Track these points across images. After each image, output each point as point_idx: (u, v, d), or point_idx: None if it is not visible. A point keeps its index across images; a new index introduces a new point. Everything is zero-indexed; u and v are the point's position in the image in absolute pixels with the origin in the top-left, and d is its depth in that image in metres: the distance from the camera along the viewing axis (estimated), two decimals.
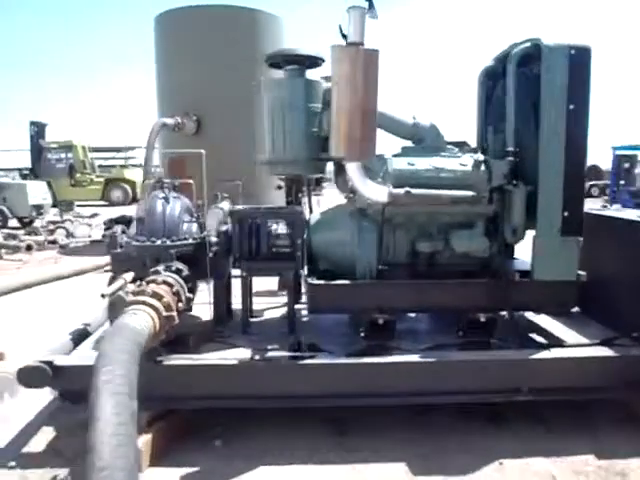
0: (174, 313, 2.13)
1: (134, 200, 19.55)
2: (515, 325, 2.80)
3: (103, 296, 2.13)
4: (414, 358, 2.51)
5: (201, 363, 2.46)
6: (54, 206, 12.14)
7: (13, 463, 2.38)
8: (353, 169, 2.57)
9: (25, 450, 2.51)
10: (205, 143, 9.18)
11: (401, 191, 2.56)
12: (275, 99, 2.84)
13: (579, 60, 2.56)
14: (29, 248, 7.80)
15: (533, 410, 2.74)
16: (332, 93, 2.51)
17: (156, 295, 2.16)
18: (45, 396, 2.98)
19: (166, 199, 2.81)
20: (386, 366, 2.47)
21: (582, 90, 2.59)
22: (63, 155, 18.96)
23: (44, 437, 2.62)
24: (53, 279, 6.24)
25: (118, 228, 2.83)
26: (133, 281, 2.40)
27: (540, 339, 2.85)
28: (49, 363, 2.39)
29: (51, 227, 9.55)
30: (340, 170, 3.16)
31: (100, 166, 22.21)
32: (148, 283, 2.33)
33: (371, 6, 2.51)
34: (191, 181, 2.92)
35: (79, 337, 2.84)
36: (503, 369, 2.55)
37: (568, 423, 2.70)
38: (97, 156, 23.15)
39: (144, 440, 2.33)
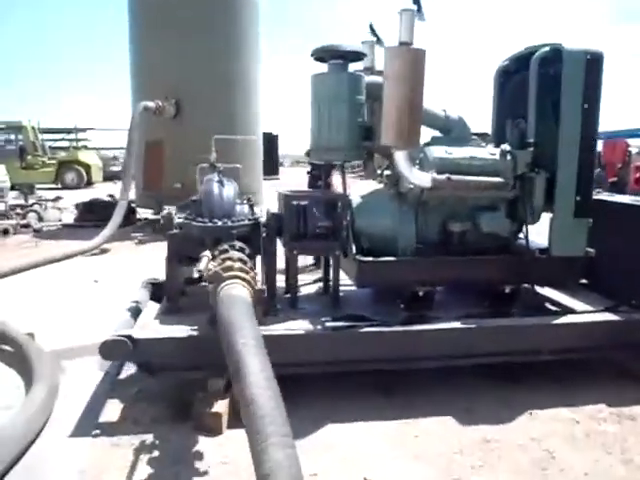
0: (263, 287, 2.34)
1: (89, 183, 18.99)
2: (533, 296, 3.19)
3: (199, 271, 2.31)
4: (457, 325, 2.85)
5: (271, 334, 2.67)
6: (12, 189, 11.72)
7: (98, 431, 2.53)
8: (400, 157, 2.85)
9: (102, 420, 2.65)
10: (184, 126, 9.17)
11: (443, 177, 2.87)
12: (321, 91, 3.06)
13: (593, 64, 2.93)
14: (6, 232, 7.60)
15: (546, 369, 3.14)
16: (384, 87, 2.77)
17: (243, 270, 2.36)
18: (93, 373, 3.13)
19: (221, 182, 2.98)
20: (436, 332, 2.79)
21: (595, 91, 2.96)
22: (12, 137, 18.13)
23: (114, 408, 2.75)
24: (47, 262, 6.20)
25: (172, 209, 2.98)
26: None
27: (553, 308, 3.26)
28: (128, 337, 2.55)
29: (19, 211, 9.28)
30: (369, 158, 3.43)
31: (50, 147, 21.32)
32: (224, 260, 2.52)
33: (419, 9, 2.78)
34: (239, 166, 3.10)
35: (135, 313, 2.99)
36: (529, 333, 2.93)
37: (576, 380, 3.11)
38: (46, 137, 22.22)
39: (222, 404, 2.55)
